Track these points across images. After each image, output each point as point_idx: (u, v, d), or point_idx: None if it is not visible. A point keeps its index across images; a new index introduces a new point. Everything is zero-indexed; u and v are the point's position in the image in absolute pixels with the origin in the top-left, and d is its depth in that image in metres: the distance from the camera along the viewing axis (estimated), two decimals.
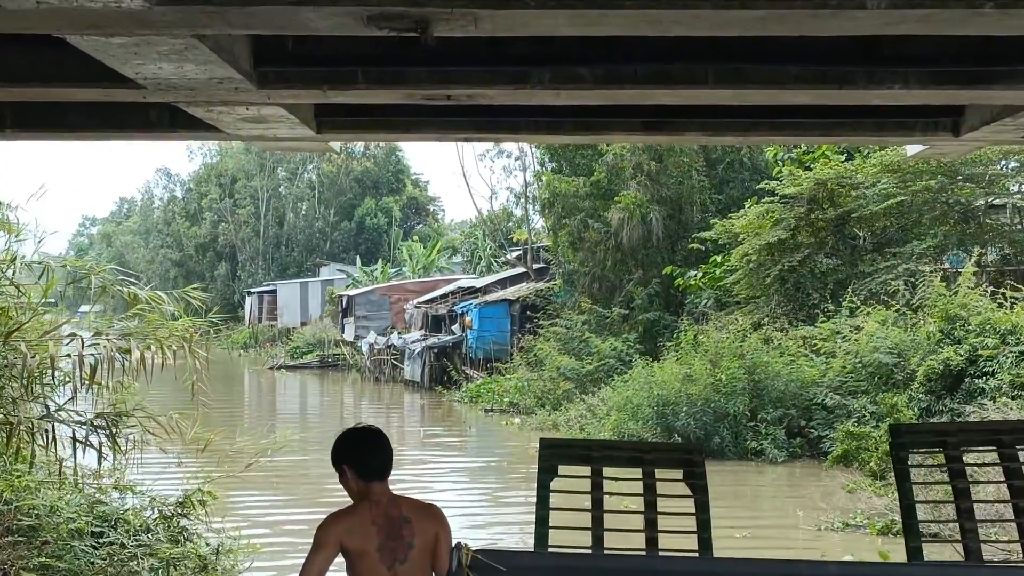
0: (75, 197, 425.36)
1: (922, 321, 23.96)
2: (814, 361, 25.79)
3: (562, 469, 8.00)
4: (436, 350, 45.61)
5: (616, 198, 36.48)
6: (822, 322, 26.75)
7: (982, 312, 22.37)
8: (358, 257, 77.93)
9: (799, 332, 27.52)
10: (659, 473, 7.59)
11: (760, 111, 6.65)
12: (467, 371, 43.09)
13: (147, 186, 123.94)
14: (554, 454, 7.95)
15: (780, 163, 32.87)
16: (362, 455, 5.18)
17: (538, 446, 7.67)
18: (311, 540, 5.01)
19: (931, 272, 24.57)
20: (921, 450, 7.97)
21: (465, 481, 24.72)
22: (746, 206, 31.89)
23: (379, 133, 7.08)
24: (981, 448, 8.03)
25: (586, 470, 7.72)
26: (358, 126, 6.99)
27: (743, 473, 23.63)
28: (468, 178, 55.03)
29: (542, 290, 43.15)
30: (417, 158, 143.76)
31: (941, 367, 21.65)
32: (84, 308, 27.91)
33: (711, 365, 25.77)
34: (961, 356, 21.57)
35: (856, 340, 24.48)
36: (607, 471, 7.68)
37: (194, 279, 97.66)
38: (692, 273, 33.95)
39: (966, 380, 21.53)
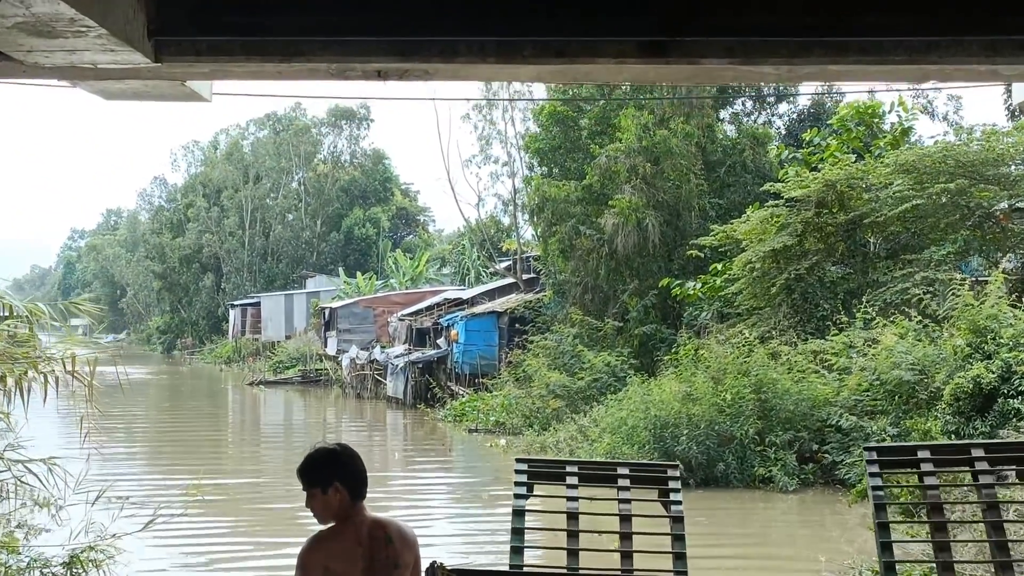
0: (65, 209, 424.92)
1: (946, 334, 21.68)
2: (826, 378, 23.56)
3: (538, 488, 8.66)
4: (420, 365, 43.36)
5: (610, 203, 34.37)
6: (834, 335, 24.56)
7: (1015, 324, 20.09)
8: (340, 269, 75.73)
9: (808, 346, 25.26)
10: (634, 492, 8.24)
11: (816, 24, 4.43)
12: (452, 387, 40.85)
13: (143, 194, 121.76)
14: (530, 473, 8.45)
15: (785, 164, 30.74)
16: (354, 473, 5.10)
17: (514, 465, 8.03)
18: None
19: (960, 280, 22.20)
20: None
21: (442, 502, 23.55)
22: (748, 211, 29.83)
23: (249, 61, 4.79)
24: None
25: (561, 489, 8.24)
26: (218, 50, 4.72)
27: (750, 503, 21.56)
28: (454, 184, 52.24)
29: (531, 302, 41.02)
30: (406, 166, 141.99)
31: (970, 385, 19.25)
32: None
33: (713, 383, 23.62)
34: (993, 373, 19.18)
35: (873, 355, 22.24)
36: (583, 490, 8.22)
37: (178, 291, 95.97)
38: (691, 283, 31.75)
39: (999, 400, 19.16)
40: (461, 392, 39.48)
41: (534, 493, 8.64)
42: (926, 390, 20.67)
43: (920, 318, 22.44)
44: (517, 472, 8.52)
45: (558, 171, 39.48)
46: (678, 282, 32.02)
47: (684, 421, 22.72)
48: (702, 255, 31.61)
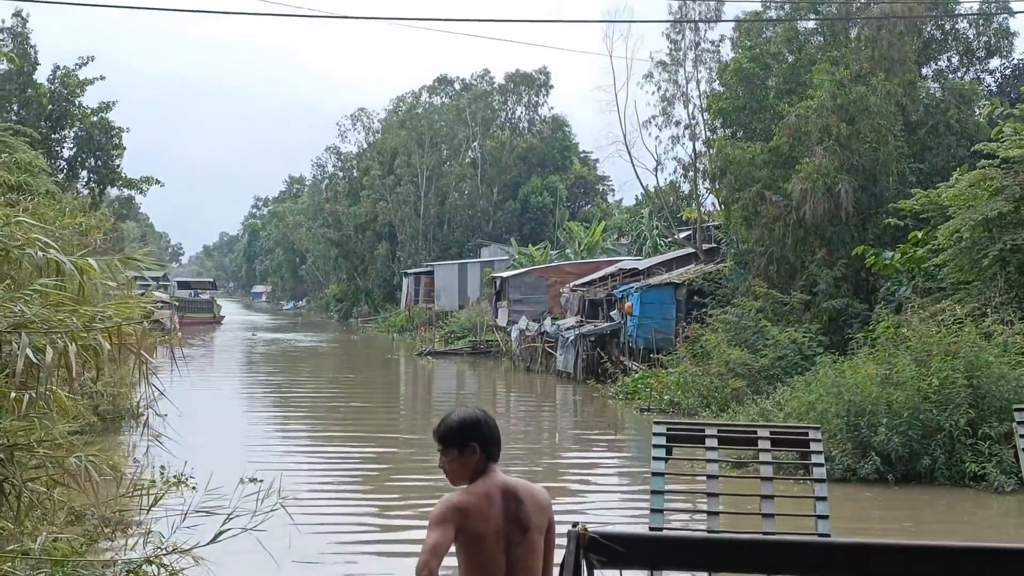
0: (250, 180, 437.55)
1: None
2: None
3: (676, 451, 8.76)
4: (592, 338, 41.20)
5: (798, 166, 31.58)
6: None
7: None
8: (512, 239, 74.08)
9: None
10: (775, 455, 8.80)
11: None
12: (625, 362, 38.59)
13: (317, 163, 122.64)
14: (669, 435, 8.61)
15: (998, 122, 27.50)
16: (489, 435, 5.29)
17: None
18: None
19: None
20: None
21: (611, 482, 22.02)
22: (955, 174, 26.80)
23: None
24: None
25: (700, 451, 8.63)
26: None
27: (960, 503, 18.81)
28: (631, 147, 49.81)
29: (711, 273, 38.41)
30: (583, 132, 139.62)
31: None
32: None
33: (917, 365, 20.79)
34: None
35: None
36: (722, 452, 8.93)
37: (354, 259, 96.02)
38: (888, 253, 28.77)
39: None
40: (634, 368, 37.20)
41: (672, 456, 8.79)
42: None
43: None
44: (655, 435, 8.72)
45: (742, 133, 36.89)
46: (874, 251, 29.08)
47: (883, 408, 20.02)
48: (901, 223, 28.67)
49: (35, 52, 54.59)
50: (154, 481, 18.10)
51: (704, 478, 8.66)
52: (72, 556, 7.58)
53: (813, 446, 8.71)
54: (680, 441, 8.98)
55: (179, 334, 69.64)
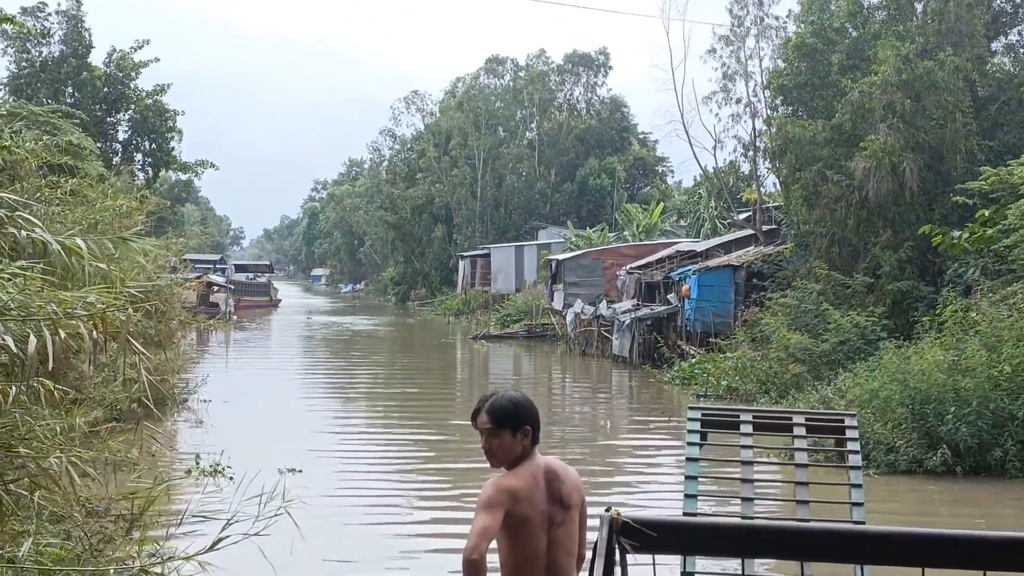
0: (311, 163, 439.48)
1: None
2: None
3: (711, 436, 9.04)
4: (648, 322, 40.32)
5: (861, 144, 30.40)
6: None
7: None
8: (569, 221, 73.18)
9: None
10: (811, 441, 9.08)
11: None
12: (682, 346, 37.70)
13: (372, 146, 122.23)
14: (703, 421, 8.78)
15: None
16: (537, 419, 5.35)
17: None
18: None
19: None
20: None
21: (668, 470, 20.88)
22: None
23: None
24: None
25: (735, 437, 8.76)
26: None
27: None
28: (688, 127, 48.76)
29: (771, 255, 37.38)
30: (642, 116, 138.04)
31: None
32: None
33: (987, 351, 19.79)
34: None
35: None
36: (757, 438, 8.78)
37: (411, 242, 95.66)
38: (956, 233, 27.61)
39: None
40: (691, 352, 36.32)
41: (707, 441, 8.87)
42: None
43: None
44: (690, 420, 8.77)
45: (803, 110, 35.77)
46: (939, 230, 27.92)
47: (950, 396, 19.05)
48: (970, 203, 27.48)
49: (89, 35, 54.56)
50: (189, 471, 17.69)
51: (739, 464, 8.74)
52: (62, 562, 6.97)
53: (849, 432, 8.70)
54: (715, 426, 9.09)
55: (234, 317, 69.78)
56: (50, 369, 6.58)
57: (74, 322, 6.21)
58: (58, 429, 8.09)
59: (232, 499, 7.72)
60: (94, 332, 6.34)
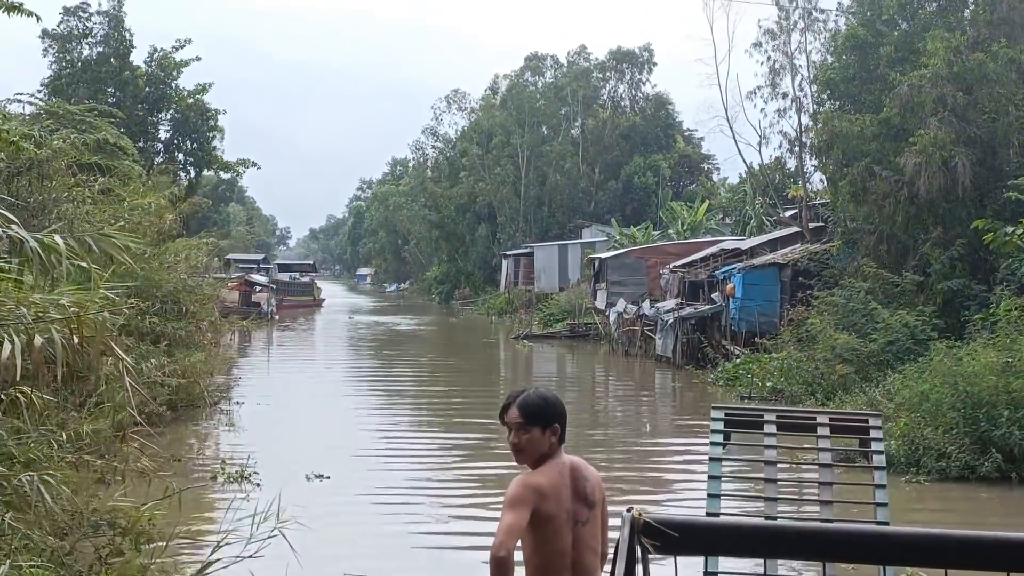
0: (357, 162, 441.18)
1: None
2: None
3: (735, 436, 9.13)
4: (692, 322, 39.60)
5: (911, 139, 29.59)
6: None
7: None
8: (613, 219, 72.44)
9: None
10: (834, 442, 9.02)
11: None
12: (726, 346, 36.96)
13: (416, 145, 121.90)
14: (727, 421, 8.79)
15: None
16: (565, 417, 5.36)
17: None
18: None
19: None
20: None
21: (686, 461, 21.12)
22: None
23: None
24: None
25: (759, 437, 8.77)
26: None
27: None
28: (733, 122, 48.04)
29: (817, 253, 36.55)
30: (687, 110, 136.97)
31: None
32: None
33: None
34: None
35: None
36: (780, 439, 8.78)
37: (454, 241, 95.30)
38: (1009, 229, 26.71)
39: None
40: (736, 352, 35.57)
41: (731, 441, 8.92)
42: None
43: None
44: (713, 419, 8.77)
45: (851, 105, 34.94)
46: (991, 226, 27.04)
47: (1004, 399, 18.33)
48: (1023, 198, 26.64)
49: (130, 35, 54.52)
50: (215, 476, 17.28)
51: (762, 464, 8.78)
52: None
53: (873, 433, 8.72)
54: (739, 426, 9.12)
55: (276, 317, 69.64)
56: (59, 375, 6.11)
57: (47, 326, 5.71)
58: (58, 440, 7.60)
59: (254, 505, 7.23)
60: (74, 337, 5.85)
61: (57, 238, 6.15)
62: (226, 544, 7.73)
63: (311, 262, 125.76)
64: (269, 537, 6.73)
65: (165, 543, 7.70)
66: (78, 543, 8.61)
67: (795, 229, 44.03)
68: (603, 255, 57.54)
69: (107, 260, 21.29)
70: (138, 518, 7.74)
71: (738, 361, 33.60)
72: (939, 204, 29.75)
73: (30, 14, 17.33)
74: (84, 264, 6.41)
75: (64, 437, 8.68)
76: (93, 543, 8.97)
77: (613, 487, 18.91)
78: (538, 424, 5.22)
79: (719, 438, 8.68)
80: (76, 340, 5.78)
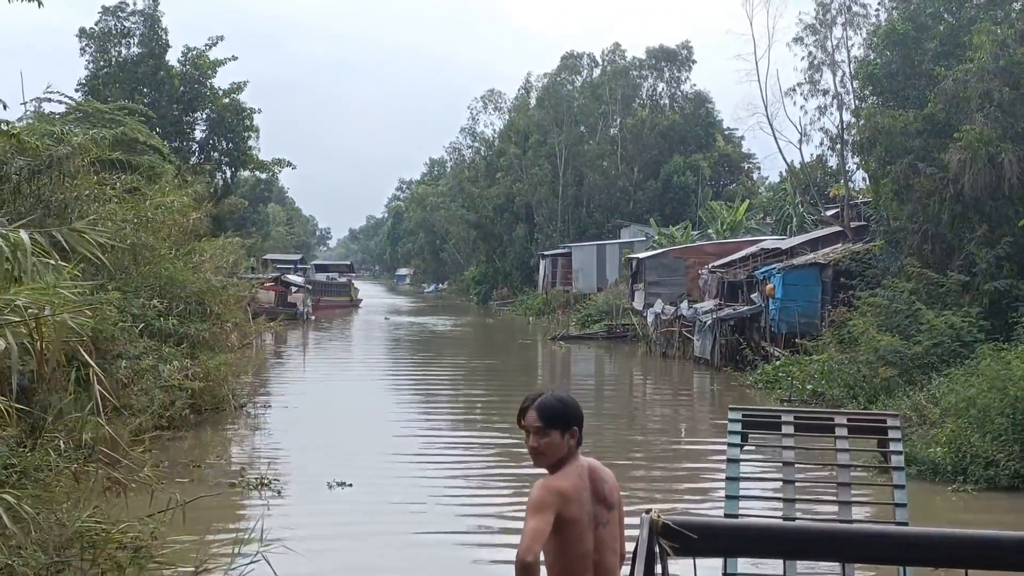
0: (396, 162, 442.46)
1: None
2: None
3: (752, 438, 9.14)
4: (731, 322, 38.89)
5: (956, 135, 28.79)
6: None
7: None
8: (652, 219, 71.73)
9: None
10: (852, 443, 8.70)
11: None
12: (766, 348, 36.22)
13: (452, 146, 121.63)
14: (744, 422, 8.72)
15: None
16: (583, 420, 5.34)
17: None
18: None
19: None
20: None
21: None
22: None
23: None
24: None
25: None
26: None
27: None
28: (773, 119, 47.31)
29: (859, 252, 35.75)
30: (726, 108, 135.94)
31: None
32: None
33: None
34: None
35: None
36: (798, 440, 8.68)
37: (492, 241, 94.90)
38: None
39: None
40: (775, 354, 34.84)
41: (748, 443, 8.92)
42: None
43: None
44: (731, 420, 8.73)
45: (894, 101, 34.13)
46: None
47: None
48: None
49: (166, 34, 54.42)
50: (233, 483, 16.80)
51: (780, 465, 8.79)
52: None
53: (891, 434, 8.68)
54: (756, 427, 9.11)
55: (312, 318, 69.42)
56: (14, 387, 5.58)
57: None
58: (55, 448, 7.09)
59: (260, 514, 6.70)
60: (39, 343, 5.33)
61: (23, 235, 5.65)
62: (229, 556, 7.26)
63: (349, 262, 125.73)
64: (251, 563, 6.19)
65: (174, 566, 7.20)
66: (77, 558, 8.17)
67: (836, 228, 43.26)
68: (641, 255, 56.89)
69: (132, 258, 20.77)
70: (131, 532, 7.21)
71: (778, 363, 32.92)
72: (985, 202, 28.93)
73: None
74: (51, 261, 5.91)
75: (62, 446, 8.17)
76: (92, 558, 8.51)
77: (649, 487, 18.37)
78: (557, 427, 5.20)
79: (736, 439, 8.67)
80: (39, 346, 5.28)
